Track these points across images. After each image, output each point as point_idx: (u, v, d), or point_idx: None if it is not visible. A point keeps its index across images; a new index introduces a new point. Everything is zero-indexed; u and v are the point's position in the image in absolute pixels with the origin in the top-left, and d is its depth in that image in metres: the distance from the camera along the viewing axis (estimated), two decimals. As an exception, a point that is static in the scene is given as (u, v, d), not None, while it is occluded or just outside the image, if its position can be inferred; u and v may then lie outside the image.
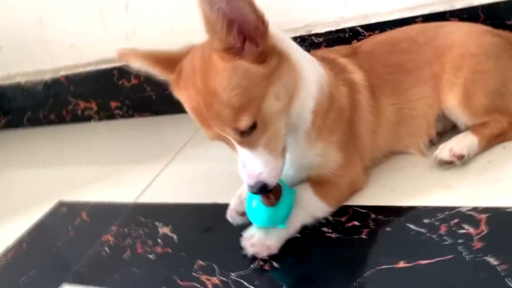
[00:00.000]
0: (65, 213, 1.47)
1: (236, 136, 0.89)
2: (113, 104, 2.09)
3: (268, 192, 0.95)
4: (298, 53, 1.00)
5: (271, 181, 0.93)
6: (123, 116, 2.10)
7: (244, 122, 0.87)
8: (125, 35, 1.91)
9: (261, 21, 0.86)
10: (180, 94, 0.95)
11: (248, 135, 0.89)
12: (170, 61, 0.95)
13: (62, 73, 2.11)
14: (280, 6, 1.59)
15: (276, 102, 0.91)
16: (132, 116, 2.08)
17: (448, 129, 1.19)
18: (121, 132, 1.99)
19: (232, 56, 0.86)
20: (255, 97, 0.88)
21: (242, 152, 0.92)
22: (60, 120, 2.25)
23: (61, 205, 1.52)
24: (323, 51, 1.23)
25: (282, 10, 1.60)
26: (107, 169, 1.68)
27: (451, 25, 1.22)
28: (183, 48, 0.98)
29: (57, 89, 2.15)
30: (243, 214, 1.08)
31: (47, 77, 2.15)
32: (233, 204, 1.11)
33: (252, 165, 0.92)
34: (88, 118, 2.18)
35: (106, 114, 2.13)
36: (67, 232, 1.36)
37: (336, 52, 1.17)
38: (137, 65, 0.97)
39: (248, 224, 1.05)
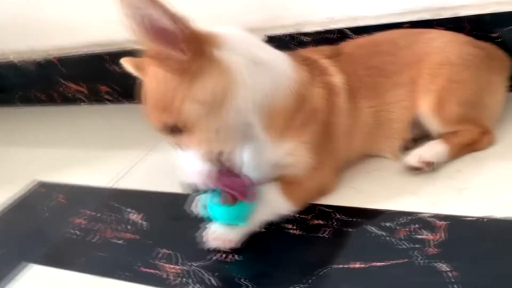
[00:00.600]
0: (43, 194, 1.49)
1: (167, 135, 0.96)
2: (103, 88, 2.10)
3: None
4: (239, 56, 0.95)
5: (199, 182, 0.97)
6: (112, 101, 2.11)
7: (164, 124, 0.94)
8: (119, 20, 1.91)
9: (181, 30, 0.87)
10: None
11: (177, 135, 0.95)
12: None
13: (55, 54, 2.11)
14: (274, 2, 1.60)
15: (198, 105, 0.92)
16: (121, 101, 2.09)
17: (423, 135, 1.20)
18: (108, 117, 2.00)
19: (158, 62, 0.91)
20: (173, 101, 0.91)
21: (179, 151, 0.99)
22: (51, 100, 2.26)
23: (39, 185, 1.53)
24: (309, 50, 1.23)
25: (275, 6, 1.61)
26: (90, 152, 1.69)
27: (434, 32, 1.23)
28: None
29: (49, 69, 2.16)
30: (206, 206, 1.09)
31: (40, 57, 2.15)
32: (198, 197, 1.13)
33: (183, 164, 0.98)
34: (78, 101, 2.19)
35: (95, 98, 2.14)
36: (42, 213, 1.37)
37: (320, 53, 1.18)
38: (129, 69, 1.11)
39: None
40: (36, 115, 2.22)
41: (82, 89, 2.15)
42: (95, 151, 1.69)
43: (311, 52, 1.19)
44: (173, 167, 1.39)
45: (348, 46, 1.24)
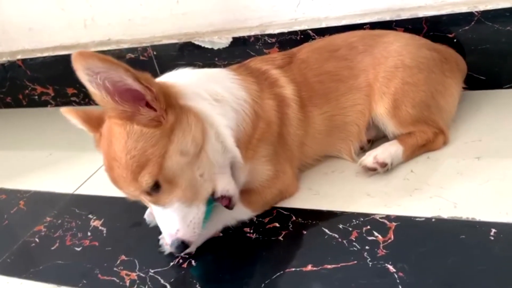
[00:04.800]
0: (3, 201, 1.47)
1: (145, 196, 0.91)
2: (70, 91, 2.07)
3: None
4: (203, 100, 0.98)
5: (189, 236, 0.93)
6: (79, 104, 2.08)
7: (144, 183, 0.88)
8: (83, 23, 1.89)
9: (147, 89, 0.86)
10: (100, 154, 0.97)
11: (157, 193, 0.91)
12: (99, 121, 0.98)
13: (19, 56, 2.08)
14: (237, 4, 1.60)
15: (181, 157, 0.91)
16: (88, 103, 2.06)
17: (380, 137, 1.22)
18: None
19: (126, 121, 0.88)
20: (153, 157, 0.88)
21: (156, 211, 0.94)
22: (17, 103, 2.23)
23: (1, 191, 1.51)
24: (260, 60, 1.22)
25: (238, 7, 1.61)
26: (54, 156, 1.67)
27: (392, 35, 1.24)
28: None
29: (14, 72, 2.12)
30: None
31: (4, 59, 2.11)
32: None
33: (166, 223, 0.93)
34: (44, 104, 2.16)
35: (62, 100, 2.11)
36: (2, 221, 1.36)
37: (271, 62, 1.18)
38: (73, 121, 1.03)
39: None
40: (1, 118, 2.18)
41: (48, 91, 2.12)
42: (59, 155, 1.67)
43: (261, 63, 1.18)
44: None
45: (303, 50, 1.24)
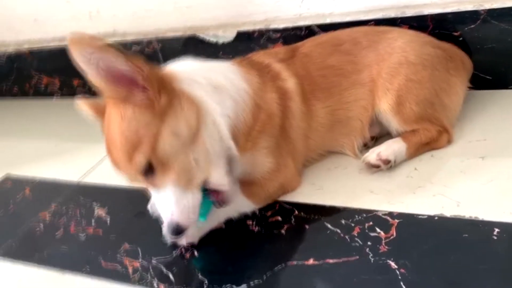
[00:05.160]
0: (10, 187, 1.48)
1: (140, 177, 0.92)
2: (75, 82, 2.08)
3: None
4: (200, 85, 0.98)
5: (183, 220, 0.92)
6: (85, 95, 2.09)
7: (137, 163, 0.89)
8: (88, 14, 1.90)
9: (139, 70, 0.87)
10: None
11: (152, 175, 0.91)
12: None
13: (26, 46, 2.09)
14: (242, -2, 1.60)
15: (175, 139, 0.91)
16: (94, 95, 2.06)
17: (383, 134, 1.22)
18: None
19: (121, 103, 0.89)
20: (146, 138, 0.89)
21: (153, 194, 0.95)
22: (23, 93, 2.24)
23: (7, 179, 1.52)
24: (262, 54, 1.22)
25: (243, 2, 1.61)
26: (59, 146, 1.69)
27: (396, 31, 1.24)
28: None
29: (21, 62, 2.13)
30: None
31: (11, 49, 2.12)
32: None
33: (162, 206, 0.93)
34: (50, 94, 2.17)
35: (68, 91, 2.12)
36: (7, 206, 1.37)
37: (273, 56, 1.18)
38: (85, 112, 1.03)
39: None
40: (7, 108, 2.19)
41: (55, 81, 2.13)
42: (65, 145, 1.68)
43: (264, 56, 1.19)
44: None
45: (307, 44, 1.24)
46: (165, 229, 0.93)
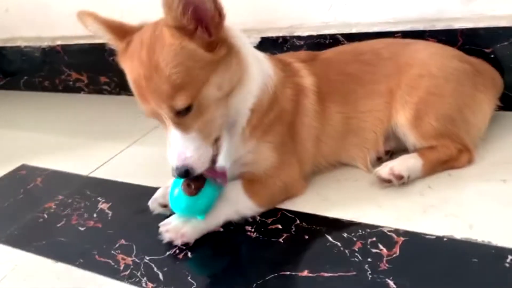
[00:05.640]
0: (22, 176, 1.50)
1: (171, 114, 0.89)
2: (102, 79, 2.11)
3: (191, 179, 0.94)
4: (249, 51, 1.01)
5: (198, 166, 0.91)
6: (110, 92, 2.12)
7: (181, 101, 0.87)
8: (120, 13, 1.93)
9: (218, 13, 0.87)
10: (125, 64, 0.94)
11: (183, 116, 0.89)
12: (123, 31, 0.96)
13: (59, 42, 2.14)
14: (268, 4, 1.58)
15: (217, 90, 0.91)
16: (118, 93, 2.10)
17: (400, 149, 1.16)
18: (104, 108, 2.01)
19: (183, 35, 0.87)
20: (196, 80, 0.88)
21: (174, 134, 0.91)
22: (53, 87, 2.29)
23: (22, 168, 1.54)
24: (286, 55, 1.23)
25: (269, 8, 1.59)
26: (77, 140, 1.70)
27: (421, 43, 1.19)
28: (139, 24, 0.99)
29: (53, 57, 2.19)
30: (164, 206, 1.08)
31: (45, 44, 2.19)
32: (157, 194, 1.12)
33: (181, 147, 0.91)
34: (78, 90, 2.22)
35: (95, 88, 2.16)
36: (17, 194, 1.38)
37: (296, 57, 1.17)
38: (93, 27, 0.98)
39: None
40: (36, 101, 2.25)
41: (82, 78, 2.18)
42: (82, 139, 1.70)
43: (287, 56, 1.19)
44: (150, 161, 1.42)
45: (328, 52, 1.22)
46: (174, 166, 0.91)
